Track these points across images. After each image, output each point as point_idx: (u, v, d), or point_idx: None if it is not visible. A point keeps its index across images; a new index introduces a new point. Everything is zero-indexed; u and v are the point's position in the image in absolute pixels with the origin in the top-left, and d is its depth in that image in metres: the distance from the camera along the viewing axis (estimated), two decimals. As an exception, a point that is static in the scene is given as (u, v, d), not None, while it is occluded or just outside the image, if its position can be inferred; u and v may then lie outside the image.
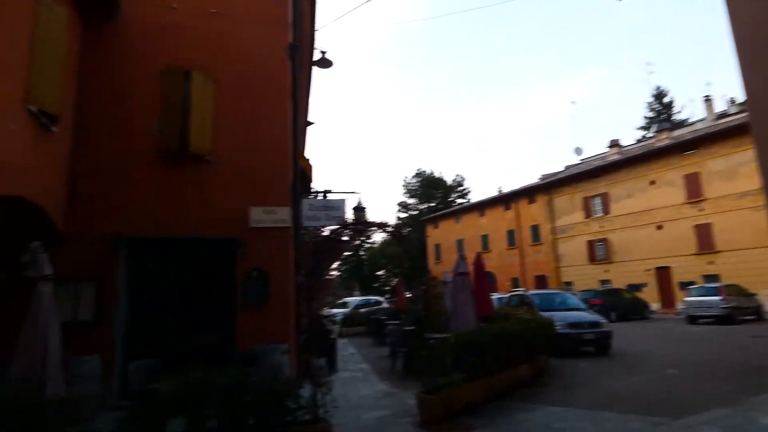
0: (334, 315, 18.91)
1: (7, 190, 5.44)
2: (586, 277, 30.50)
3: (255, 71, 8.77)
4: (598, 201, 30.77)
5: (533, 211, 35.35)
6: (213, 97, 8.39)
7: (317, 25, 12.56)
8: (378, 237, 45.64)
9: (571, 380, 8.55)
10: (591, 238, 30.91)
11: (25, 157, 5.87)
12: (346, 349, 14.35)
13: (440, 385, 6.30)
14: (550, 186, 34.38)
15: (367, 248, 46.31)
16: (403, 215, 51.84)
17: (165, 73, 8.22)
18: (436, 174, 52.50)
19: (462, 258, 9.20)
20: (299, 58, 9.36)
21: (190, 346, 7.51)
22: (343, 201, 9.48)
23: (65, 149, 7.21)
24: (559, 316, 11.26)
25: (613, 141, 34.13)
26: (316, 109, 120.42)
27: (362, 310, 22.06)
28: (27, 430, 3.96)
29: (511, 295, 16.34)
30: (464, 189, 52.83)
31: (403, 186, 53.11)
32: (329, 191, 9.84)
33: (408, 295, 18.97)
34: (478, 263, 9.53)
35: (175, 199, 7.92)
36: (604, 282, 28.99)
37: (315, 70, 13.32)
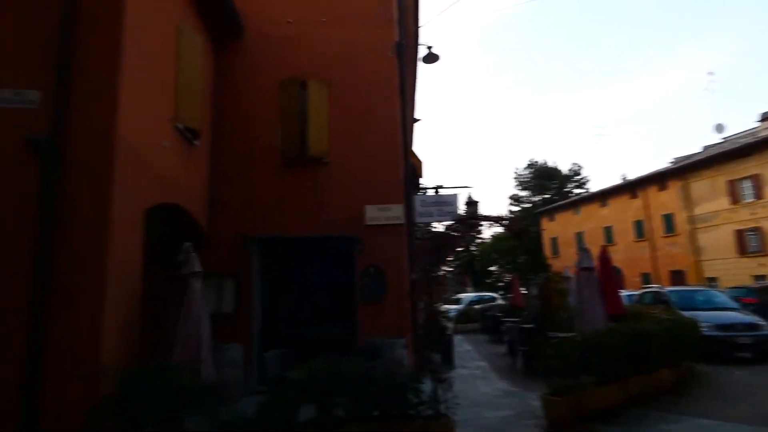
0: (447, 311, 18.86)
1: (167, 199, 6.28)
2: (735, 271, 26.52)
3: (364, 73, 9.05)
4: (747, 184, 26.57)
5: (664, 199, 31.65)
6: (327, 102, 8.83)
7: (420, 21, 12.59)
8: (489, 232, 44.50)
9: (723, 390, 7.50)
10: (740, 227, 26.80)
11: (177, 170, 6.73)
12: (461, 345, 14.21)
13: (568, 387, 5.93)
14: (685, 170, 30.48)
15: (479, 243, 45.39)
16: (515, 208, 49.90)
17: (284, 84, 8.85)
18: (550, 164, 49.66)
19: (586, 251, 8.56)
20: (405, 55, 9.45)
21: (316, 337, 8.00)
22: (455, 196, 9.39)
23: (205, 160, 8.12)
24: (705, 317, 9.96)
25: (765, 114, 29.23)
26: (422, 105, 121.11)
27: (476, 306, 21.68)
28: (187, 405, 4.54)
29: (644, 292, 14.80)
30: (582, 178, 49.23)
31: (515, 178, 51.06)
32: (441, 186, 9.80)
33: (524, 291, 18.26)
34: (604, 257, 8.78)
35: (296, 200, 8.49)
36: (758, 277, 24.99)
37: (419, 65, 13.36)
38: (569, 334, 7.30)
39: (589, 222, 38.03)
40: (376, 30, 9.19)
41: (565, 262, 29.99)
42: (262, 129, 8.74)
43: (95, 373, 4.54)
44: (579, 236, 37.74)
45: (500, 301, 21.94)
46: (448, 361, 10.12)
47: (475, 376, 9.49)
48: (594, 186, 46.48)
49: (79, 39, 5.03)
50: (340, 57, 9.08)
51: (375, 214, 8.44)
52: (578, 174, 49.57)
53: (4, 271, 4.60)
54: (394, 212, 8.44)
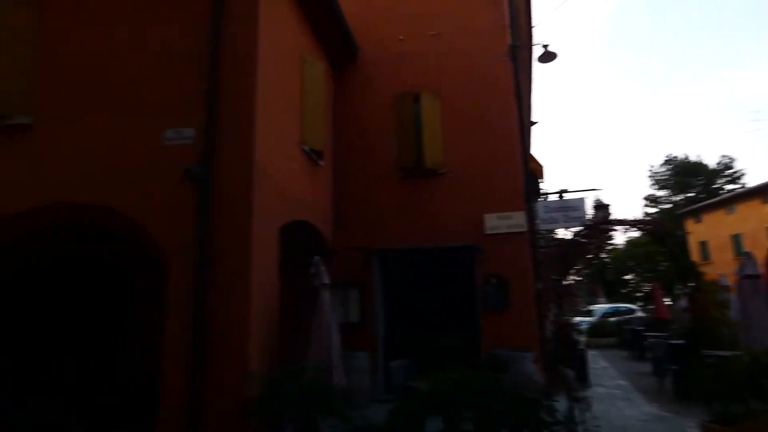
0: (579, 323, 17.53)
1: (297, 216, 6.82)
2: None
3: (478, 80, 8.94)
4: None
5: None
6: (440, 113, 8.88)
7: (534, 20, 12.08)
8: (622, 238, 40.54)
9: None
10: None
11: (305, 189, 7.28)
12: (596, 361, 13.07)
13: (735, 415, 5.10)
14: None
15: (611, 250, 41.57)
16: (652, 210, 44.84)
17: (398, 99, 9.11)
18: (693, 159, 43.85)
19: (749, 256, 7.35)
20: (520, 57, 9.14)
21: (439, 347, 7.98)
22: (581, 200, 8.76)
23: (329, 178, 8.65)
24: None
25: None
26: (540, 107, 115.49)
27: (611, 318, 19.83)
28: (322, 409, 4.81)
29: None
30: (735, 172, 42.59)
31: (650, 177, 45.94)
32: (565, 191, 9.22)
33: (668, 303, 16.23)
34: (775, 263, 7.44)
35: (414, 212, 8.63)
36: None
37: (535, 65, 12.79)
38: (732, 353, 6.30)
39: (749, 222, 32.66)
40: (487, 36, 9.05)
41: (718, 268, 26.12)
42: (380, 144, 9.07)
43: (244, 378, 5.03)
44: (736, 239, 32.61)
45: (640, 314, 19.78)
46: (583, 378, 9.36)
47: (616, 396, 8.63)
48: (751, 180, 39.89)
49: (221, 80, 5.73)
50: (453, 67, 9.09)
51: (495, 222, 8.23)
52: (730, 168, 43.06)
53: (182, 290, 5.34)
54: (515, 220, 8.14)
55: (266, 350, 5.53)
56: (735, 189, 39.41)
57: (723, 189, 41.23)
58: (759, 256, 7.80)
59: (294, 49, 7.27)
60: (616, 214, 27.06)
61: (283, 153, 6.54)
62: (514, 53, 8.87)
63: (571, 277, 10.86)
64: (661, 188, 45.30)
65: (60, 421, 6.70)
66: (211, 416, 4.97)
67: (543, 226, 8.74)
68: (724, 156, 50.79)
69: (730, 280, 10.32)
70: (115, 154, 5.71)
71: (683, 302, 11.25)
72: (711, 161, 44.02)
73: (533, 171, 9.64)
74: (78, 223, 6.45)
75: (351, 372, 7.07)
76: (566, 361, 8.23)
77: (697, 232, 37.77)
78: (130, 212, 5.60)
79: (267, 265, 5.75)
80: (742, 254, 7.51)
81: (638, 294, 37.08)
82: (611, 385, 9.81)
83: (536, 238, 8.47)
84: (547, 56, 9.71)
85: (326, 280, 6.00)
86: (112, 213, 5.71)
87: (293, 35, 7.29)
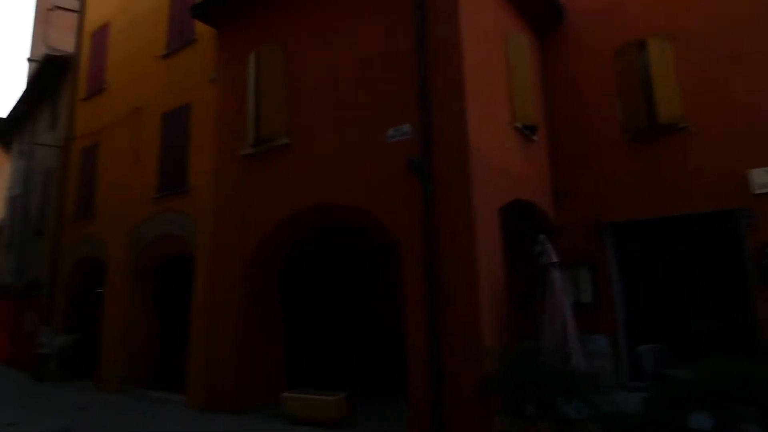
0: None
1: (515, 195, 6.74)
2: None
3: (721, 9, 7.24)
4: None
5: None
6: (674, 59, 7.50)
7: None
8: None
9: None
10: None
11: (520, 167, 7.12)
12: None
13: None
14: None
15: None
16: None
17: (618, 53, 8.06)
18: None
19: None
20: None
21: (700, 331, 6.85)
22: None
23: (544, 152, 8.24)
24: None
25: None
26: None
27: None
28: (562, 390, 4.67)
29: None
30: None
31: None
32: None
33: None
34: None
35: (650, 177, 7.55)
36: None
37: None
38: None
39: None
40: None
41: None
42: (598, 108, 8.20)
43: (479, 354, 5.25)
44: None
45: None
46: None
47: None
48: None
49: (430, 74, 6.04)
50: (682, 2, 7.59)
51: (766, 178, 6.58)
52: None
53: (415, 277, 5.91)
54: (800, 171, 6.35)
55: (497, 330, 5.64)
56: None
57: None
58: None
59: (496, 27, 7.13)
60: None
61: (496, 134, 6.52)
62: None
63: None
64: None
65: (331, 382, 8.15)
66: (452, 393, 5.35)
67: None
68: None
69: None
70: (352, 158, 6.61)
71: None
72: None
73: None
74: (329, 221, 7.68)
75: (589, 356, 6.68)
76: None
77: None
78: (366, 207, 6.41)
79: (490, 246, 5.84)
80: None
81: None
82: None
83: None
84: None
85: (555, 259, 5.78)
86: (354, 209, 6.63)
87: (493, 14, 7.16)
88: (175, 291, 9.93)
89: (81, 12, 12.86)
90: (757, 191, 6.61)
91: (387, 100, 6.43)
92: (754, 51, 7.00)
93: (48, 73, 13.88)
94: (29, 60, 24.00)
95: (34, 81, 14.75)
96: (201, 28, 9.03)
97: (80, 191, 11.49)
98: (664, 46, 7.58)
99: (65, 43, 22.56)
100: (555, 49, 8.80)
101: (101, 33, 11.93)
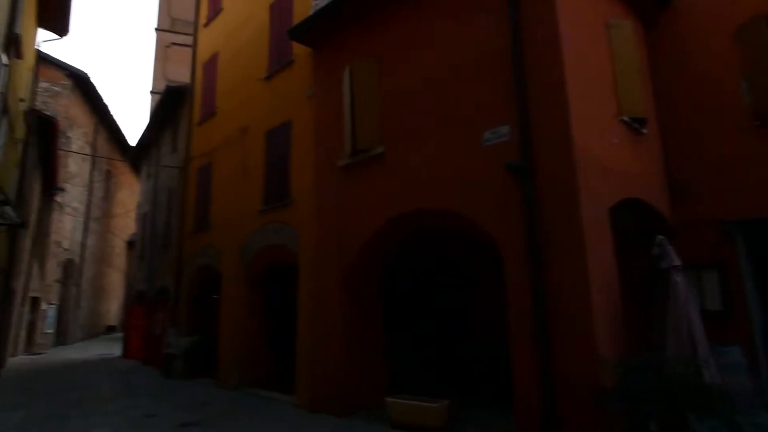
0: None
1: (625, 194, 6.26)
2: None
3: None
4: None
5: None
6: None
7: None
8: None
9: None
10: None
11: (629, 163, 6.61)
12: None
13: None
14: None
15: None
16: None
17: (742, 29, 7.20)
18: None
19: None
20: None
21: None
22: None
23: (656, 145, 7.57)
24: None
25: None
26: None
27: None
28: (694, 407, 4.22)
29: None
30: None
31: None
32: None
33: None
34: None
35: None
36: None
37: None
38: None
39: None
40: None
41: None
42: (719, 92, 7.38)
43: (594, 364, 4.92)
44: None
45: None
46: None
47: None
48: None
49: (527, 72, 5.85)
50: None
51: None
52: None
53: (520, 281, 5.75)
54: None
55: (613, 339, 5.25)
56: None
57: None
58: None
59: (595, 16, 6.73)
60: None
61: (601, 130, 6.12)
62: None
63: None
64: None
65: (432, 386, 8.13)
66: (564, 402, 5.06)
67: None
68: None
69: None
70: (447, 163, 6.58)
71: None
72: None
73: None
74: (426, 226, 7.71)
75: (722, 369, 5.98)
76: None
77: None
78: (463, 212, 6.33)
79: (601, 249, 5.47)
80: None
81: None
82: None
83: None
84: None
85: (677, 262, 5.26)
86: (451, 214, 6.59)
87: (592, 3, 6.76)
88: (282, 297, 10.59)
89: (194, 45, 14.29)
90: None
91: (482, 103, 6.33)
92: None
93: (168, 103, 15.61)
94: (152, 92, 27.24)
95: (157, 111, 16.67)
96: (298, 49, 9.60)
97: (197, 206, 12.72)
98: (802, 17, 6.64)
99: (180, 74, 25.21)
100: (662, 32, 8.08)
101: (211, 63, 13.18)
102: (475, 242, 8.23)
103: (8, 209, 5.84)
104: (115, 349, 19.33)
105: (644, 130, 7.03)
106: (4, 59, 5.93)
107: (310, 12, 9.08)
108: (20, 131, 10.47)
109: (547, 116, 5.62)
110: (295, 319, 8.83)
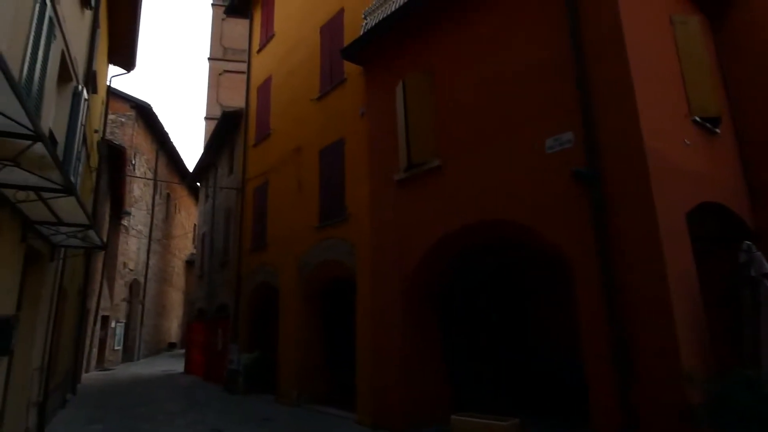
0: None
1: (701, 198, 5.89)
2: None
3: None
4: None
5: None
6: None
7: None
8: None
9: None
10: None
11: (703, 164, 6.23)
12: None
13: None
14: None
15: None
16: None
17: (823, 18, 6.69)
18: None
19: None
20: None
21: None
22: None
23: (731, 146, 7.12)
24: None
25: None
26: None
27: None
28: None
29: None
30: None
31: None
32: None
33: None
34: None
35: None
36: None
37: None
38: None
39: None
40: None
41: None
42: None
43: (679, 379, 4.60)
44: None
45: None
46: None
47: None
48: None
49: (591, 76, 5.67)
50: None
51: None
52: None
53: (583, 293, 5.52)
54: None
55: (699, 351, 4.90)
56: None
57: None
58: None
59: (659, 14, 6.46)
60: None
61: (672, 132, 5.82)
62: None
63: None
64: None
65: (497, 403, 7.87)
66: (647, 421, 4.75)
67: None
68: None
69: None
70: (508, 174, 6.45)
71: None
72: None
73: None
74: (485, 238, 7.56)
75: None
76: None
77: None
78: (525, 222, 6.16)
79: (680, 258, 5.15)
80: None
81: None
82: None
83: None
84: None
85: (767, 269, 4.86)
86: (512, 225, 6.43)
87: (656, 1, 6.51)
88: (340, 313, 10.66)
89: (248, 70, 14.92)
90: None
91: (542, 110, 6.18)
92: None
93: (224, 127, 16.31)
94: (206, 118, 28.61)
95: (213, 135, 17.45)
96: (349, 68, 9.81)
97: (255, 225, 13.12)
98: None
99: (232, 100, 26.33)
100: (733, 26, 7.64)
101: (265, 86, 13.69)
102: (533, 254, 7.99)
103: (91, 233, 6.22)
104: (177, 365, 20.08)
105: (717, 130, 6.63)
106: (85, 94, 6.39)
107: (361, 31, 9.26)
108: (95, 160, 11.24)
109: (614, 120, 5.40)
110: (353, 334, 8.85)
